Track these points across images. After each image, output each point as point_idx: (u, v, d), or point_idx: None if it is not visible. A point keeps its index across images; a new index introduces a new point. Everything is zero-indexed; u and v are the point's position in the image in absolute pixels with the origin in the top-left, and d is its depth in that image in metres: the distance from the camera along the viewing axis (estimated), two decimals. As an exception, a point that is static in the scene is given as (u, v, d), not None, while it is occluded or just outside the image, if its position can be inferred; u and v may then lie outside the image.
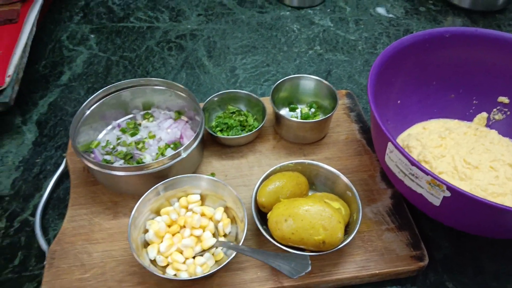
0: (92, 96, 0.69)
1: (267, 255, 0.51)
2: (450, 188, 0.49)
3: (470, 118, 0.76)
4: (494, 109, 0.74)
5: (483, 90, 0.74)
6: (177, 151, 0.63)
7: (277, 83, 0.74)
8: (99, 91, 0.70)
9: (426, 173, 0.50)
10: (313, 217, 0.54)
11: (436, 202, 0.53)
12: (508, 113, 0.73)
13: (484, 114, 0.74)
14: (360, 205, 0.59)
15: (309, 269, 0.48)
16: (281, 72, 0.94)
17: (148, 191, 0.59)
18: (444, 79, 0.73)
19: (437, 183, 0.50)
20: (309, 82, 0.76)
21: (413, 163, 0.51)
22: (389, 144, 0.55)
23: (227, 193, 0.61)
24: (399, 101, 0.72)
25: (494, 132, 0.72)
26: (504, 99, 0.72)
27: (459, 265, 0.62)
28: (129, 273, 0.58)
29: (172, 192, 0.62)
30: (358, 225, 0.57)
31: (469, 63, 0.72)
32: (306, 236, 0.54)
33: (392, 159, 0.56)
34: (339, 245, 0.55)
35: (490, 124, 0.74)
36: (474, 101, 0.75)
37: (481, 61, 0.71)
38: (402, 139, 0.72)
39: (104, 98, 0.71)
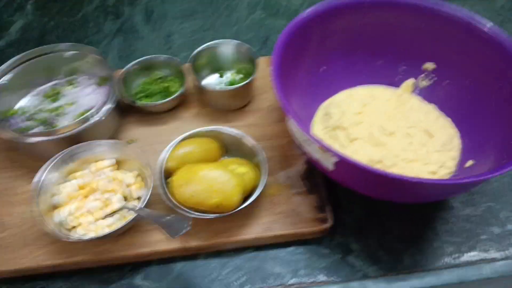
0: (4, 65, 0.68)
1: (158, 216, 0.52)
2: (336, 154, 0.49)
3: (398, 84, 0.75)
4: (422, 75, 0.73)
5: (410, 56, 0.72)
6: (86, 115, 0.63)
7: (195, 51, 0.73)
8: (10, 61, 0.69)
9: (313, 139, 0.50)
10: (211, 181, 0.55)
11: (330, 167, 0.53)
12: (435, 79, 0.72)
13: (411, 80, 0.74)
14: (266, 169, 0.60)
15: (188, 229, 0.49)
16: (218, 37, 0.91)
17: (54, 158, 0.59)
18: (370, 46, 0.72)
19: (324, 149, 0.50)
20: (229, 47, 0.75)
21: (302, 129, 0.51)
22: (285, 111, 0.55)
23: (138, 158, 0.61)
24: (324, 67, 0.71)
25: (416, 99, 0.72)
26: (430, 65, 0.71)
27: (367, 228, 0.64)
28: (44, 232, 0.59)
29: (86, 157, 0.63)
30: (261, 189, 0.58)
31: (394, 28, 0.70)
32: (202, 199, 0.55)
33: (291, 127, 0.57)
34: (236, 208, 0.56)
35: (417, 91, 0.74)
36: (403, 67, 0.73)
37: (406, 28, 0.69)
38: (325, 106, 0.72)
39: (22, 65, 0.70)
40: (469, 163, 0.62)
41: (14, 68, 0.70)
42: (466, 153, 0.65)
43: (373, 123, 0.66)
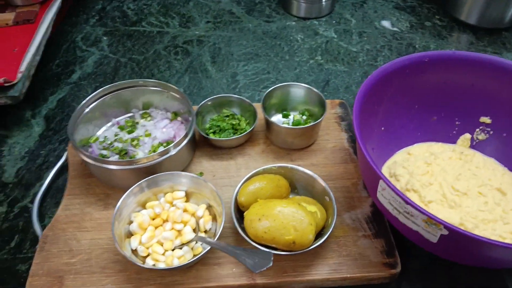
0: (92, 95, 0.74)
1: (236, 250, 0.54)
2: (447, 227, 0.48)
3: (453, 140, 0.75)
4: (477, 130, 0.73)
5: (464, 111, 0.73)
6: (166, 148, 0.67)
7: (268, 90, 0.77)
8: (98, 91, 0.74)
9: (422, 212, 0.49)
10: (285, 217, 0.56)
11: (433, 239, 0.52)
12: (491, 132, 0.72)
13: (468, 135, 0.74)
14: (335, 210, 0.61)
15: (270, 264, 0.50)
16: (280, 79, 0.97)
17: (133, 186, 0.62)
18: (426, 103, 0.73)
19: (433, 222, 0.49)
20: (299, 90, 0.78)
21: (407, 202, 0.50)
22: (381, 182, 0.54)
23: (209, 191, 0.64)
24: (383, 128, 0.72)
25: (478, 156, 0.72)
26: (486, 119, 0.72)
27: (434, 276, 0.63)
28: (112, 260, 0.62)
29: (159, 187, 0.65)
30: (331, 229, 0.59)
31: (449, 86, 0.72)
32: (277, 236, 0.56)
33: (385, 196, 0.55)
34: (309, 246, 0.57)
35: (474, 145, 0.74)
36: (457, 122, 0.74)
37: (461, 83, 0.71)
38: (389, 166, 0.72)
39: (104, 97, 0.76)
40: None
41: (98, 99, 0.75)
42: (539, 208, 0.64)
43: (443, 183, 0.66)
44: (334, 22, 1.13)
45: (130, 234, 0.62)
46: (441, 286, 0.62)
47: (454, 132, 0.75)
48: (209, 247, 0.57)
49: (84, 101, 0.74)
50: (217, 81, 0.96)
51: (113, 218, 0.59)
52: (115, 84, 0.76)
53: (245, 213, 0.60)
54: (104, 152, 0.73)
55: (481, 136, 0.73)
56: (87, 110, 0.74)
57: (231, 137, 0.75)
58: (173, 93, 0.76)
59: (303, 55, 1.03)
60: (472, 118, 0.74)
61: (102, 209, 0.68)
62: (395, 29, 1.11)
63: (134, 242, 0.60)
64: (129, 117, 0.80)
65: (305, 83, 0.95)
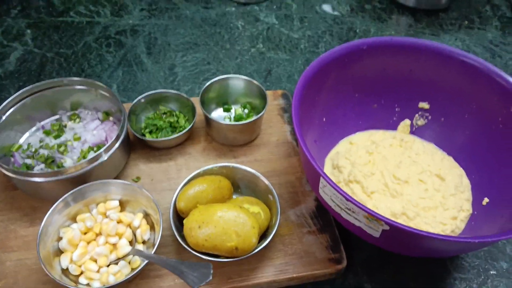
0: (10, 98, 0.67)
1: (174, 263, 0.50)
2: (388, 223, 0.47)
3: (394, 126, 0.75)
4: (416, 115, 0.74)
5: (404, 97, 0.74)
6: (95, 154, 0.61)
7: (206, 84, 0.73)
8: (18, 93, 0.67)
9: (363, 209, 0.48)
10: (226, 223, 0.53)
11: (376, 234, 0.52)
12: (430, 117, 0.73)
13: (407, 121, 0.75)
14: (279, 209, 0.59)
15: (210, 278, 0.47)
16: (221, 70, 0.93)
17: (57, 202, 0.57)
18: (366, 91, 0.73)
19: (374, 218, 0.48)
20: (239, 82, 0.75)
21: (347, 199, 0.49)
22: (321, 179, 0.53)
23: (145, 198, 0.60)
24: (324, 119, 0.70)
25: (418, 141, 0.72)
26: (424, 105, 0.73)
27: (379, 267, 0.63)
28: (42, 282, 0.57)
29: (90, 198, 0.61)
30: (274, 230, 0.57)
31: (388, 72, 0.71)
32: (219, 243, 0.53)
33: (326, 192, 0.54)
34: (253, 250, 0.55)
35: (413, 130, 0.75)
36: (397, 109, 0.75)
37: (399, 69, 0.71)
38: (331, 158, 0.71)
39: (25, 99, 0.69)
40: (485, 200, 0.63)
41: (18, 102, 0.68)
42: (477, 191, 0.65)
43: (384, 173, 0.66)
44: (275, 7, 1.10)
45: (60, 252, 0.57)
46: (387, 276, 0.62)
47: (395, 118, 0.75)
48: (147, 260, 0.53)
49: (1, 105, 0.66)
50: (153, 74, 0.90)
51: (38, 239, 0.54)
52: (36, 85, 0.69)
53: (184, 221, 0.57)
54: (29, 161, 0.67)
55: (420, 122, 0.74)
56: (6, 115, 0.67)
57: (169, 136, 0.71)
58: (102, 91, 0.70)
59: (244, 43, 0.99)
60: (411, 103, 0.74)
61: (29, 226, 0.62)
62: (336, 13, 1.09)
63: (64, 261, 0.55)
64: (56, 119, 0.73)
65: (246, 73, 0.93)
